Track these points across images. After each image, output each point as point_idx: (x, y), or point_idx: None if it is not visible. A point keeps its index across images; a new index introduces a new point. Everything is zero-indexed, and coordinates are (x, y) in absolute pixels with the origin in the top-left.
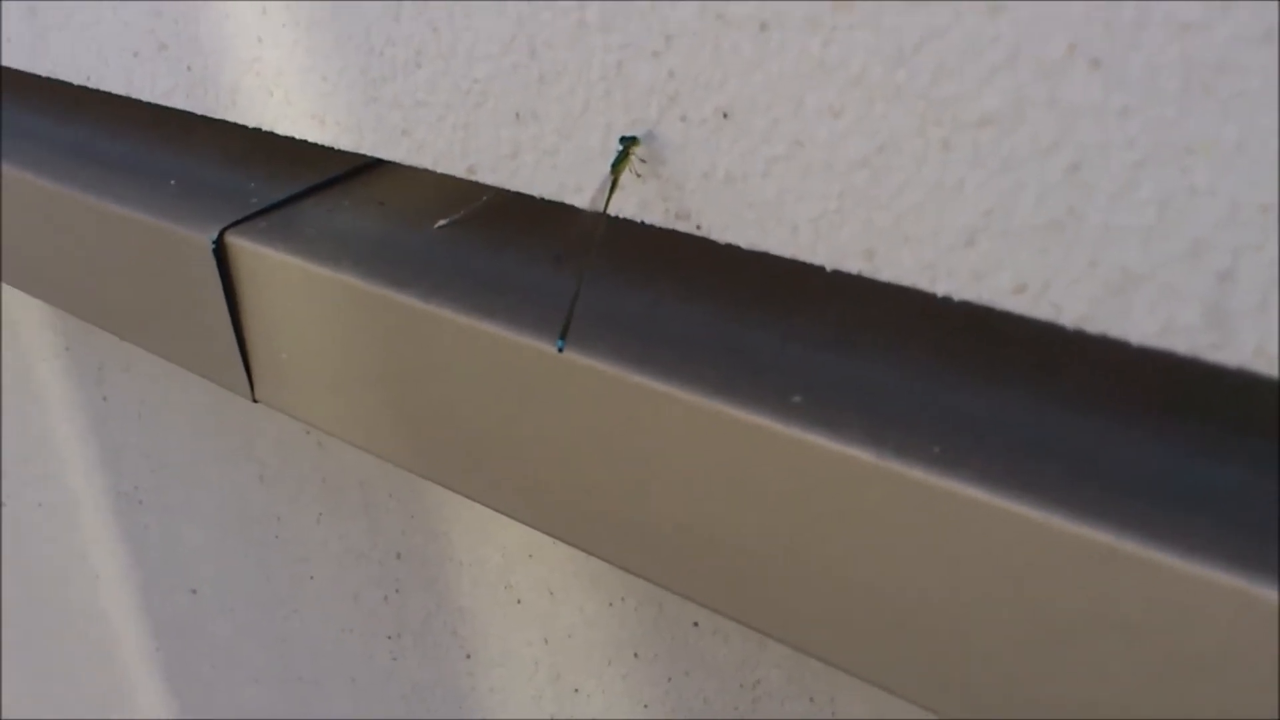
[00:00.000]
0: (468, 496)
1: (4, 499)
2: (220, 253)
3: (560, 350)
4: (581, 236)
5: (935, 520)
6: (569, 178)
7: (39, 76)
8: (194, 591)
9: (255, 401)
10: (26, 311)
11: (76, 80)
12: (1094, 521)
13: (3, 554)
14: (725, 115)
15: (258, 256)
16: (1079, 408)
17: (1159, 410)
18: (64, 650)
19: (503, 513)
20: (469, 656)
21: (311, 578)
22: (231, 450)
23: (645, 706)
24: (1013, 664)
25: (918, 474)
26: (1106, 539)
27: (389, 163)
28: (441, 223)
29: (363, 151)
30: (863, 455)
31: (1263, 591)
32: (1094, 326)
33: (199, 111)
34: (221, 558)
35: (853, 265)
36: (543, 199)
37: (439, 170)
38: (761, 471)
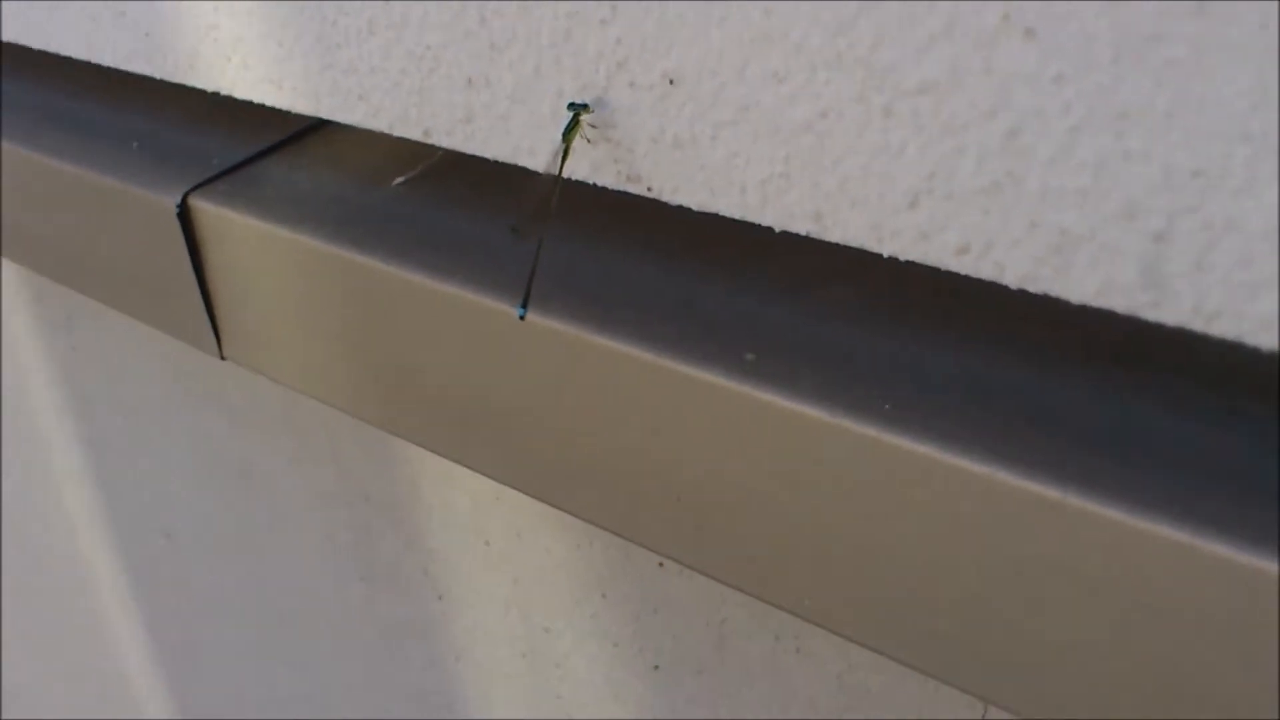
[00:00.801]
0: (432, 451)
1: None
2: (184, 215)
3: (522, 318)
4: (537, 203)
5: (887, 475)
6: (522, 141)
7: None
8: (169, 536)
9: (223, 359)
10: None
11: (36, 45)
12: (1041, 476)
13: None
14: (671, 81)
15: (221, 218)
16: (1028, 362)
17: (1107, 363)
18: (46, 596)
19: (466, 466)
20: (441, 597)
21: (283, 521)
22: (200, 397)
23: (615, 645)
24: (963, 613)
25: (869, 431)
26: (1054, 494)
27: None
28: (399, 180)
29: (320, 115)
30: (815, 412)
31: (1201, 542)
32: (1036, 286)
33: (158, 76)
34: (194, 502)
35: (801, 226)
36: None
37: (395, 134)
38: (717, 427)
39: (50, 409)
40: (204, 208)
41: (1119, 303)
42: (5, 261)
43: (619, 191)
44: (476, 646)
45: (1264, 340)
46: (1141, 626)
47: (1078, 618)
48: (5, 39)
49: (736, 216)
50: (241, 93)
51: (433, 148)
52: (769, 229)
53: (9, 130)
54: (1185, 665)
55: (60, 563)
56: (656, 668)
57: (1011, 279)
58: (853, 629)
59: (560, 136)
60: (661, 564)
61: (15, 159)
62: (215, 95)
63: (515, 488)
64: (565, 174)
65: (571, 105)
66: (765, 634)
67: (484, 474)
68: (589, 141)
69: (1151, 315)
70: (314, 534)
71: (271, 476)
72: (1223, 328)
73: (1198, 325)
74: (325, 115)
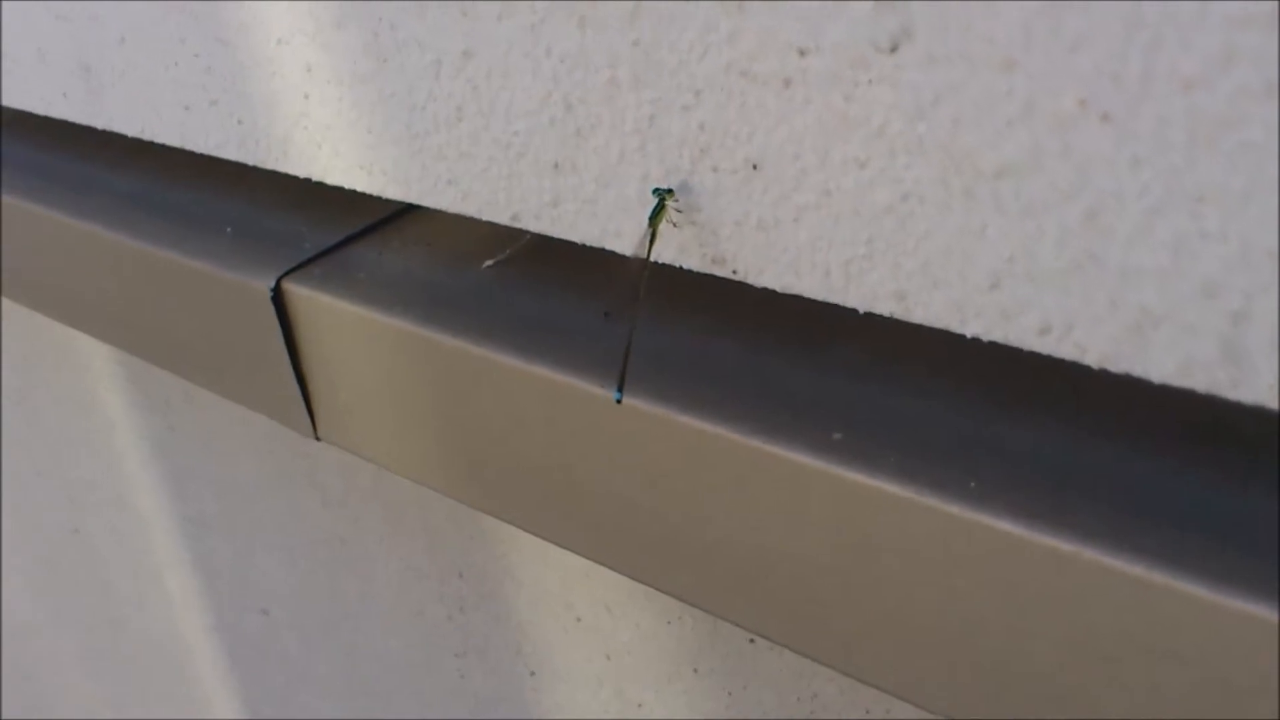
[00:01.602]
0: (522, 529)
1: (77, 524)
2: (278, 299)
3: (619, 401)
4: (626, 289)
5: (971, 552)
6: (609, 224)
7: (97, 129)
8: (265, 611)
9: (318, 440)
10: (94, 344)
11: (131, 133)
12: (1124, 553)
13: (79, 577)
14: (755, 166)
15: (314, 302)
16: (1111, 439)
17: (1189, 440)
18: (145, 670)
19: (557, 544)
20: (533, 673)
21: (377, 597)
22: (294, 476)
23: None
24: (1051, 689)
25: (954, 509)
26: (1138, 571)
27: None
28: (488, 263)
29: (410, 200)
30: (901, 491)
31: None
32: (1117, 365)
33: (250, 163)
34: (290, 579)
35: (884, 307)
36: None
37: (484, 218)
38: (806, 506)
39: (147, 488)
40: (297, 291)
41: (1199, 381)
42: (102, 344)
43: (705, 274)
44: None
45: None
46: (1225, 704)
47: (1162, 694)
48: (100, 127)
49: (820, 298)
50: (333, 179)
51: (521, 231)
52: (853, 310)
53: (104, 216)
54: None
55: (159, 640)
56: None
57: (1093, 359)
58: (939, 704)
59: (647, 220)
60: (752, 640)
61: (111, 244)
62: (307, 179)
63: (605, 565)
64: (652, 257)
65: (656, 190)
66: (855, 709)
67: (574, 551)
68: (675, 225)
69: (1231, 394)
70: (407, 610)
71: (365, 553)
72: None
73: (1275, 403)
74: (415, 200)
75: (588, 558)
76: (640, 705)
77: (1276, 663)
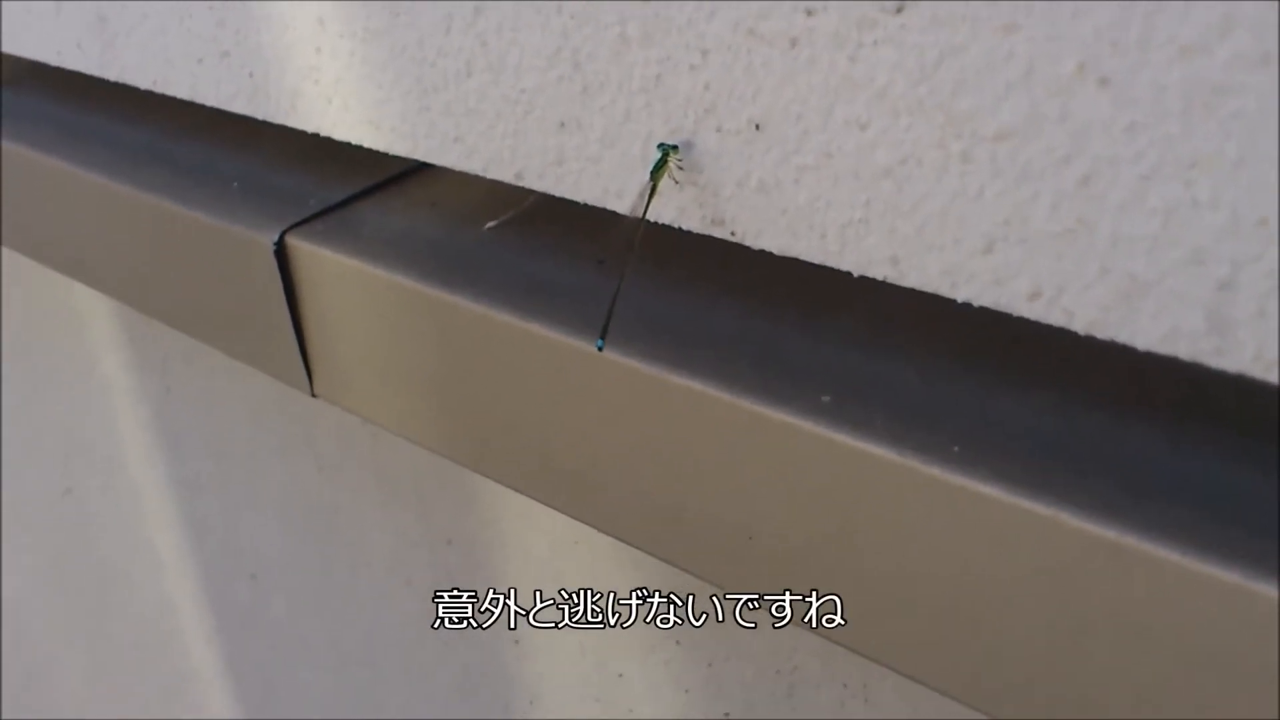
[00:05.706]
0: (514, 489)
1: (70, 485)
2: (281, 254)
3: (600, 349)
4: (622, 240)
5: (953, 516)
6: (611, 184)
7: (108, 81)
8: (253, 576)
9: (314, 397)
10: (94, 303)
11: (143, 85)
12: (1101, 519)
13: (70, 538)
14: (758, 126)
15: (317, 257)
16: (1094, 408)
17: (1170, 410)
18: (130, 632)
19: (547, 504)
20: (517, 642)
21: (367, 564)
22: (290, 440)
23: (686, 691)
24: (1026, 655)
25: (936, 472)
26: (1113, 536)
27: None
28: (490, 224)
29: (416, 157)
30: (886, 454)
31: (1262, 588)
32: (1104, 332)
33: (259, 117)
34: (280, 544)
35: (878, 271)
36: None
37: (489, 176)
38: (791, 467)
39: (142, 449)
40: (300, 246)
41: (1184, 349)
42: (102, 302)
43: (704, 235)
44: (550, 692)
45: None
46: (1200, 674)
47: (1138, 665)
48: (114, 79)
49: (816, 261)
50: (341, 134)
51: (523, 194)
52: (847, 274)
53: (111, 167)
54: (1238, 710)
55: (146, 602)
56: (727, 715)
57: (1080, 325)
58: (920, 670)
59: (649, 175)
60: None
61: (116, 195)
62: (314, 136)
63: (590, 524)
64: (651, 217)
65: (661, 145)
66: (834, 682)
67: (561, 511)
68: (677, 183)
69: (1214, 362)
70: (395, 577)
71: (356, 519)
72: None
73: (1258, 373)
74: (422, 157)
75: (576, 518)
76: (621, 676)
77: (1252, 630)
